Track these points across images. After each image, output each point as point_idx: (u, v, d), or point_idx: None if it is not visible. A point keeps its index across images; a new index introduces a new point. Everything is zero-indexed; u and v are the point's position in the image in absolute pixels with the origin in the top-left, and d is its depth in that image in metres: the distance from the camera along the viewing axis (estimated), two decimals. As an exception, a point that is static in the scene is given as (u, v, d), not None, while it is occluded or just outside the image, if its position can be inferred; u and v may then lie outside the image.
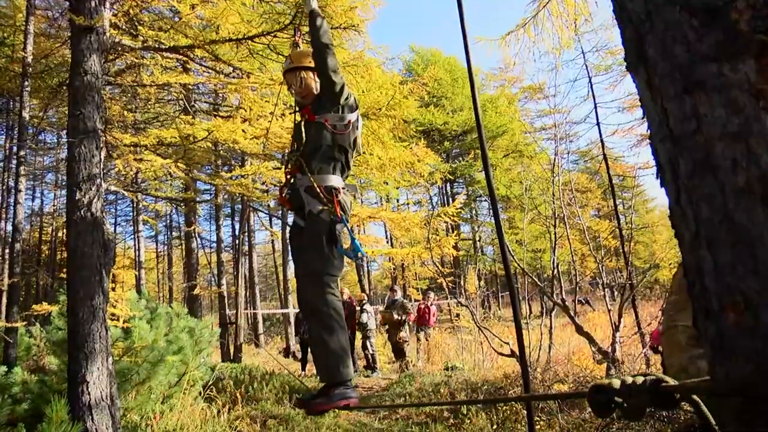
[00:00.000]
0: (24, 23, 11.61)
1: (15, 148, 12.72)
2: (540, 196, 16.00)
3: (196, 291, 15.56)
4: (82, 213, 5.41)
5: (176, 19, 9.21)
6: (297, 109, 3.88)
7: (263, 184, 11.25)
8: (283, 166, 3.87)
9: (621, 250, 12.14)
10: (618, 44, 16.20)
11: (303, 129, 3.51)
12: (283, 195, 3.55)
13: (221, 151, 13.89)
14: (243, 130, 8.22)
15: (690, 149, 0.91)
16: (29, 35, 11.35)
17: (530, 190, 13.55)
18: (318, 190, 3.29)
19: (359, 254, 3.31)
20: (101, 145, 5.80)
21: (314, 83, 3.66)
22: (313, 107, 3.52)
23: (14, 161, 12.16)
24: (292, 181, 3.50)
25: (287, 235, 4.12)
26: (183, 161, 8.31)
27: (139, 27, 7.96)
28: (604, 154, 12.48)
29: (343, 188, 3.45)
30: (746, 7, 0.86)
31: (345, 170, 3.57)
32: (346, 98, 3.53)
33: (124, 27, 7.79)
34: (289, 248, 3.70)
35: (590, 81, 13.49)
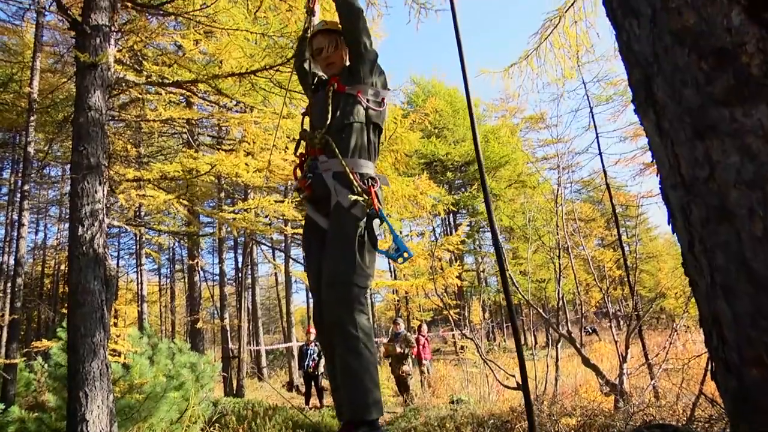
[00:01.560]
0: (31, 60, 11.80)
1: (20, 182, 12.78)
2: (543, 226, 15.97)
3: (199, 324, 15.45)
4: (84, 249, 5.38)
5: (180, 53, 9.33)
6: (312, 82, 3.25)
7: (266, 217, 11.24)
8: (295, 146, 3.11)
9: (626, 279, 12.05)
10: (619, 75, 16.34)
11: (330, 102, 2.88)
12: (303, 179, 2.89)
13: (224, 185, 13.93)
14: (246, 164, 8.23)
15: (703, 196, 0.87)
16: (36, 71, 11.50)
17: (534, 221, 13.52)
18: (351, 176, 2.69)
19: (405, 254, 2.68)
20: (104, 180, 5.80)
21: (345, 53, 3.13)
22: (342, 78, 2.98)
23: (19, 195, 12.20)
24: (310, 164, 2.89)
25: (302, 233, 3.39)
26: (185, 197, 8.30)
27: (143, 62, 8.05)
28: (607, 184, 12.46)
29: (378, 178, 2.89)
30: (756, 50, 0.84)
31: (375, 157, 2.99)
32: (380, 73, 3.03)
33: (128, 62, 7.88)
34: (303, 250, 3.04)
35: (591, 111, 13.53)
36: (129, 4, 6.87)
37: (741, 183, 0.83)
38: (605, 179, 13.10)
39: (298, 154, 3.06)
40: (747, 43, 0.85)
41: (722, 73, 0.86)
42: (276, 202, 10.02)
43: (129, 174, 8.41)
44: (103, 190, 5.77)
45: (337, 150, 2.74)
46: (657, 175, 1.01)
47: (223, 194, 14.43)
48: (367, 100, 2.89)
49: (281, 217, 11.81)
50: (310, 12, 3.47)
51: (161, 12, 7.21)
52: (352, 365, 2.56)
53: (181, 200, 8.14)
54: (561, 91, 11.71)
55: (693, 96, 0.89)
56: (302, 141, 3.00)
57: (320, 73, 3.28)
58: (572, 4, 7.24)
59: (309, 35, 3.29)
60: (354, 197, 2.65)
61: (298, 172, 3.01)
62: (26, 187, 12.00)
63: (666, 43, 0.93)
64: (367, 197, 2.67)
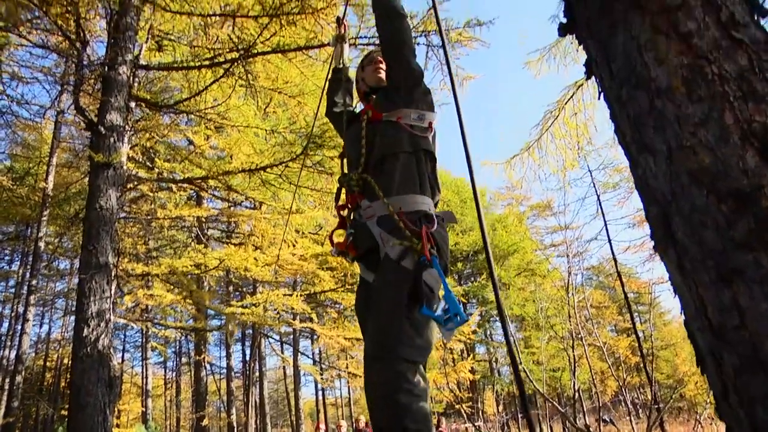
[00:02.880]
0: (48, 156, 12.12)
1: (28, 276, 12.82)
2: (555, 316, 15.72)
3: (205, 422, 14.99)
4: (88, 350, 5.29)
5: (191, 148, 9.55)
6: (345, 119, 2.69)
7: (275, 310, 11.14)
8: (335, 197, 2.52)
9: (642, 366, 11.70)
10: (624, 162, 16.49)
11: (364, 135, 2.37)
12: (346, 238, 2.34)
13: (233, 278, 13.90)
14: (255, 258, 8.24)
15: (734, 344, 0.83)
16: (52, 167, 11.79)
17: (545, 310, 13.33)
18: (398, 219, 2.10)
19: (456, 316, 1.88)
20: (112, 278, 5.79)
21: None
22: (378, 103, 2.47)
23: (26, 289, 12.20)
24: (353, 214, 2.36)
25: (354, 305, 2.51)
26: (191, 299, 8.28)
27: (155, 159, 8.23)
28: (618, 272, 12.34)
29: (436, 216, 2.26)
30: (776, 192, 0.82)
31: (435, 191, 2.40)
32: (425, 92, 2.46)
33: (140, 160, 8.06)
34: (357, 317, 2.40)
35: (599, 198, 13.58)
36: (143, 104, 7.11)
37: (774, 333, 0.78)
38: (616, 267, 12.98)
39: (337, 207, 2.48)
40: (765, 186, 0.83)
41: (742, 217, 0.84)
42: (285, 295, 9.95)
43: (137, 269, 8.41)
44: (111, 289, 5.75)
45: (377, 189, 2.20)
46: (681, 312, 0.97)
47: (231, 288, 14.36)
48: (411, 126, 2.36)
49: (290, 311, 11.68)
50: (341, 39, 2.94)
51: (174, 110, 7.44)
52: None
53: (187, 300, 8.10)
54: (566, 180, 11.82)
55: (714, 239, 0.87)
56: (341, 188, 2.43)
57: (355, 107, 2.90)
58: (571, 97, 7.42)
59: (341, 65, 2.90)
60: (398, 242, 2.06)
61: (337, 237, 2.46)
62: (34, 282, 12.02)
63: (683, 182, 0.92)
64: (417, 241, 2.04)
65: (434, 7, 1.80)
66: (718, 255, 0.86)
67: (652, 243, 1.02)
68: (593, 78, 1.20)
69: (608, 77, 1.11)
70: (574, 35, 1.27)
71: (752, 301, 0.81)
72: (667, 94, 0.96)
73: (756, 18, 1.05)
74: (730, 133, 0.88)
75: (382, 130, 2.36)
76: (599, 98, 1.19)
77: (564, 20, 1.30)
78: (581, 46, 1.25)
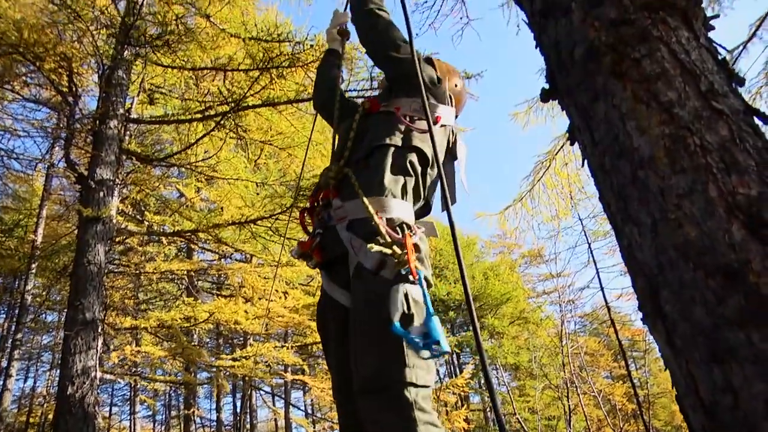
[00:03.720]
0: (38, 208, 12.07)
1: (13, 329, 12.58)
2: (549, 364, 15.54)
3: (193, 480, 14.55)
4: (72, 409, 5.15)
5: (182, 199, 9.54)
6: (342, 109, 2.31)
7: (266, 363, 10.96)
8: (312, 192, 2.12)
9: (638, 413, 11.52)
10: (612, 209, 16.59)
11: (354, 126, 2.08)
12: (311, 239, 1.97)
13: (223, 331, 13.71)
14: (245, 311, 8.14)
15: (729, 426, 0.80)
16: (42, 220, 11.73)
17: (539, 359, 13.20)
18: (376, 223, 1.73)
19: (436, 346, 1.44)
20: (99, 334, 5.69)
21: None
22: (379, 96, 2.26)
23: (10, 343, 11.94)
24: (323, 214, 1.99)
25: (316, 320, 2.06)
26: (181, 356, 8.14)
27: (145, 212, 8.21)
28: (612, 320, 12.27)
29: (418, 227, 1.94)
30: (763, 269, 0.80)
31: (422, 198, 2.12)
32: (433, 82, 2.18)
33: (130, 213, 8.03)
34: (321, 339, 2.05)
35: (590, 247, 13.59)
36: (134, 158, 7.12)
37: (771, 416, 0.75)
38: (609, 315, 12.91)
39: (301, 211, 2.18)
40: (752, 261, 0.81)
41: (732, 293, 0.82)
42: (275, 348, 9.81)
43: (126, 323, 8.28)
44: (97, 346, 5.63)
45: (357, 186, 1.85)
46: (672, 387, 0.94)
47: (221, 340, 14.15)
48: (410, 118, 2.03)
49: (281, 363, 11.50)
50: (344, 34, 2.65)
51: (165, 164, 7.46)
52: None
53: (177, 358, 7.96)
54: (558, 230, 11.88)
55: (704, 315, 0.84)
56: (320, 189, 2.06)
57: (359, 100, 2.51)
58: (561, 147, 7.51)
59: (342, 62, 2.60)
60: (376, 248, 1.66)
61: (309, 225, 2.13)
62: (19, 336, 11.80)
63: (670, 255, 0.90)
64: (400, 251, 1.66)
65: (417, 60, 1.73)
66: (709, 332, 0.83)
67: (641, 314, 0.99)
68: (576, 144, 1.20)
69: (591, 145, 1.10)
70: (556, 101, 1.28)
71: (746, 381, 0.78)
72: (650, 165, 0.96)
73: (734, 86, 1.05)
74: (715, 206, 0.87)
75: (377, 121, 2.07)
76: (582, 165, 1.18)
77: (546, 86, 1.30)
78: (564, 111, 1.25)
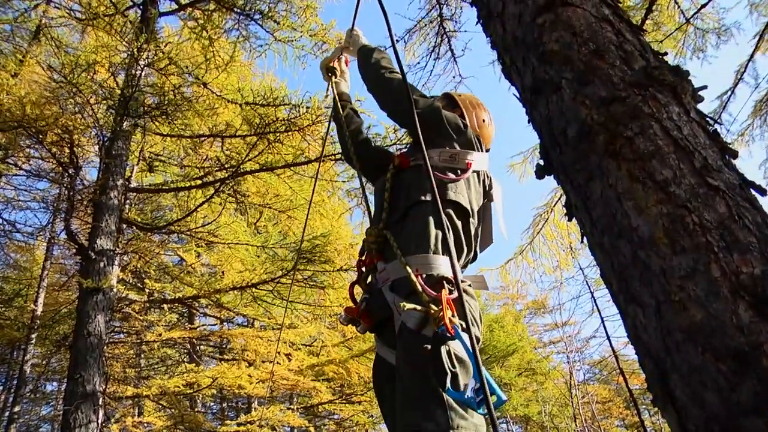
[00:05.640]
0: (39, 278, 12.01)
1: (11, 401, 12.33)
2: (559, 414, 15.21)
3: None
4: (72, 488, 5.00)
5: (182, 265, 9.51)
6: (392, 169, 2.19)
7: (271, 427, 10.74)
8: (357, 262, 2.14)
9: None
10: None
11: (387, 186, 2.08)
12: (359, 304, 2.00)
13: (226, 395, 13.46)
14: (249, 375, 8.03)
15: None
16: (42, 289, 11.65)
17: (549, 412, 12.95)
18: (413, 281, 1.74)
19: (492, 397, 1.30)
20: (99, 406, 5.57)
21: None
22: (408, 151, 2.27)
23: (6, 416, 11.67)
24: (370, 277, 2.05)
25: (372, 377, 2.08)
26: (182, 425, 7.98)
27: (146, 279, 8.17)
28: (621, 369, 12.10)
29: (462, 281, 1.92)
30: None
31: (465, 251, 2.07)
32: (457, 130, 2.16)
33: (130, 281, 7.99)
34: (377, 398, 2.04)
35: (593, 296, 13.54)
36: (134, 227, 7.13)
37: None
38: (617, 363, 12.73)
39: (358, 262, 2.14)
40: (764, 344, 0.79)
41: (745, 378, 0.79)
42: (281, 410, 9.63)
43: (127, 392, 8.14)
44: (98, 419, 5.50)
45: (395, 247, 1.87)
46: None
47: (225, 404, 13.89)
48: (441, 170, 2.03)
49: (287, 425, 11.26)
50: (331, 71, 2.65)
51: (165, 231, 7.47)
52: None
53: (179, 426, 7.80)
54: (560, 281, 11.87)
55: (717, 402, 0.82)
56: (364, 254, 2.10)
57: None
58: (559, 199, 7.55)
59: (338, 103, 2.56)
60: (409, 306, 1.68)
61: (357, 291, 2.13)
62: (17, 408, 11.55)
63: (677, 338, 0.88)
64: (436, 308, 1.65)
65: (415, 115, 1.71)
66: (723, 420, 0.80)
67: (651, 396, 0.97)
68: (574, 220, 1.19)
69: (589, 223, 1.10)
70: (552, 176, 1.28)
71: (767, 473, 0.75)
72: (650, 245, 0.95)
73: (727, 159, 1.06)
74: (720, 287, 0.86)
75: (410, 178, 2.07)
76: (582, 241, 1.18)
77: (541, 162, 1.31)
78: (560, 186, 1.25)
